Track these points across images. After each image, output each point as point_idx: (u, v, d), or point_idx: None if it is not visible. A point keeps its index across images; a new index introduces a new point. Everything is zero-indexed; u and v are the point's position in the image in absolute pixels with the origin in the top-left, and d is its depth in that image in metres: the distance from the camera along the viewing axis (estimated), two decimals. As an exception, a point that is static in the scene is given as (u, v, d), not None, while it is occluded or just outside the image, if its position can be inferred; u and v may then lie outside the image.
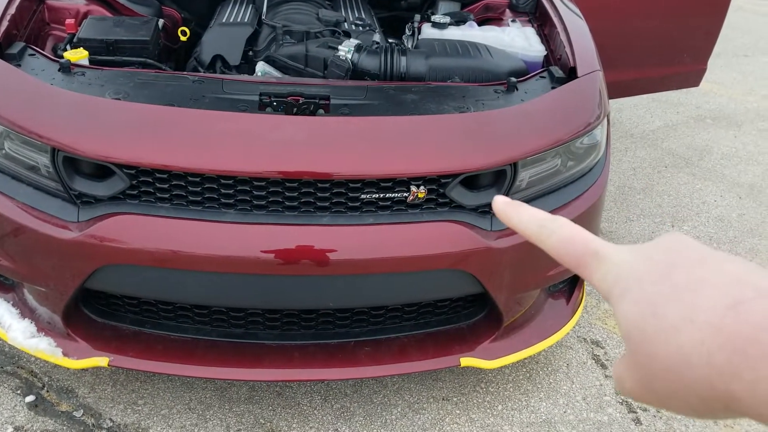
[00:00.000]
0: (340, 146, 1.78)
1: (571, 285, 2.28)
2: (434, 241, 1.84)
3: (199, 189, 1.75)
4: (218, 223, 1.76)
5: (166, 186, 1.75)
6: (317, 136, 1.78)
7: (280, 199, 1.77)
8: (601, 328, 2.63)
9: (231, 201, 1.76)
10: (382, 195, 1.79)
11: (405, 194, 1.81)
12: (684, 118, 4.73)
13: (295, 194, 1.76)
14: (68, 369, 2.21)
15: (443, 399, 2.24)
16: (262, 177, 1.73)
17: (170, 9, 2.67)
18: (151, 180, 1.75)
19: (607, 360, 2.47)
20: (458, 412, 2.20)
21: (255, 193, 1.75)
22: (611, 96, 3.94)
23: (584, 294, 2.31)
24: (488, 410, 2.22)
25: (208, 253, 1.75)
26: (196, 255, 1.75)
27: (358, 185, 1.77)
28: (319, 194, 1.77)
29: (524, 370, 2.38)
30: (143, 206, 1.77)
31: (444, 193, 1.83)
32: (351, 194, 1.78)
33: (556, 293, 2.27)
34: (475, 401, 2.24)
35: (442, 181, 1.82)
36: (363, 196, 1.79)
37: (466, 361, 2.03)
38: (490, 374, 2.34)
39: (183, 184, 1.74)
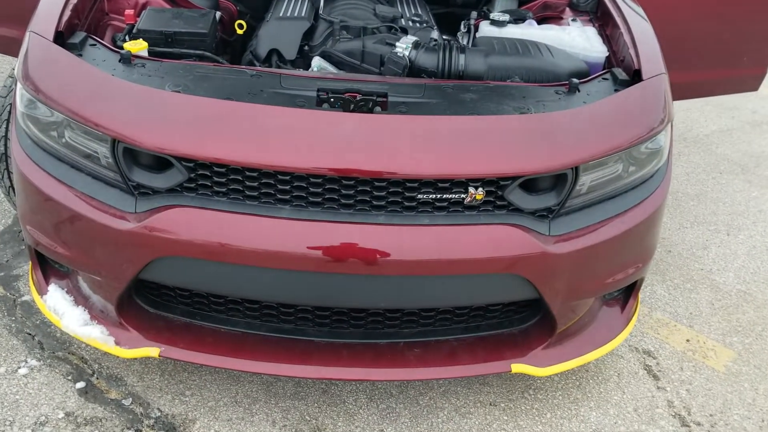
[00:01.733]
0: (397, 145, 1.75)
1: (626, 293, 2.22)
2: (491, 244, 1.80)
3: (255, 184, 1.74)
4: (273, 218, 1.75)
5: (223, 180, 1.75)
6: (375, 135, 1.76)
7: (336, 197, 1.75)
8: (654, 338, 2.56)
9: (287, 197, 1.75)
10: (438, 195, 1.76)
11: (462, 195, 1.77)
12: (739, 123, 4.59)
13: (351, 192, 1.74)
14: (118, 357, 2.24)
15: (491, 404, 2.21)
16: (318, 174, 1.71)
17: (227, 2, 2.67)
18: (208, 173, 1.74)
19: (660, 371, 2.40)
20: (506, 418, 2.16)
21: (311, 189, 1.74)
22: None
23: (639, 302, 2.25)
24: (536, 418, 2.17)
25: (262, 249, 1.74)
26: (250, 250, 1.74)
27: (415, 185, 1.74)
28: (376, 193, 1.74)
29: (574, 377, 2.33)
30: (200, 199, 1.77)
31: (502, 195, 1.80)
32: (407, 194, 1.75)
33: (610, 301, 2.21)
34: (523, 408, 2.20)
35: (501, 183, 1.78)
36: (419, 196, 1.76)
37: (517, 367, 1.99)
38: (538, 381, 2.30)
39: (240, 178, 1.74)
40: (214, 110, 1.76)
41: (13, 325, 2.35)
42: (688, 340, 2.56)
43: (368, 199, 1.75)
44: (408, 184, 1.74)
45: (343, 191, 1.74)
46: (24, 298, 2.47)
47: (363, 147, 1.73)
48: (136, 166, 1.80)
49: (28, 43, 1.98)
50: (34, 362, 2.21)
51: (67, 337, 2.30)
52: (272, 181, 1.73)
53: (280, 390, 2.19)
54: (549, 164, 1.79)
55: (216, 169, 1.73)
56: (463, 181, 1.76)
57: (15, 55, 3.40)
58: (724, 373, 2.43)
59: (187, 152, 1.71)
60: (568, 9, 2.61)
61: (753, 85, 3.98)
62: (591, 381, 2.33)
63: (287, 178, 1.73)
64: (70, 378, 2.17)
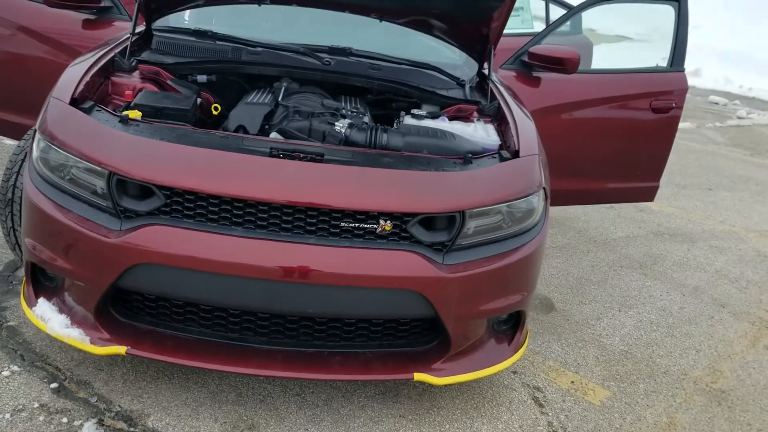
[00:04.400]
0: (327, 185, 2.33)
1: (513, 328, 2.74)
2: (396, 264, 2.34)
3: (216, 209, 2.29)
4: (228, 236, 2.28)
5: (192, 205, 2.29)
6: (311, 177, 2.34)
7: (278, 222, 2.30)
8: (544, 378, 3.04)
9: (240, 221, 2.29)
10: (357, 225, 2.32)
11: (375, 226, 2.33)
12: (645, 232, 5.30)
13: (290, 218, 2.29)
14: (87, 368, 2.65)
15: (400, 416, 2.64)
16: (265, 203, 2.27)
17: (206, 94, 3.32)
18: (181, 200, 2.29)
19: (545, 401, 2.87)
20: (411, 426, 2.59)
21: (259, 215, 2.29)
22: (573, 203, 4.53)
23: (527, 337, 2.76)
24: (438, 427, 2.60)
25: (218, 259, 2.26)
26: (208, 260, 2.25)
27: (339, 215, 2.31)
28: (309, 220, 2.30)
29: (472, 401, 2.78)
30: (172, 220, 2.30)
31: (406, 228, 2.36)
32: (333, 222, 2.31)
33: (499, 334, 2.72)
34: (427, 420, 2.64)
35: (405, 218, 2.35)
36: (342, 225, 2.31)
37: (418, 376, 2.47)
38: (442, 401, 2.74)
39: (205, 204, 2.28)
40: (189, 153, 2.34)
41: (-2, 342, 2.75)
42: (572, 382, 3.05)
43: (303, 224, 2.31)
44: (334, 215, 2.30)
45: (284, 217, 2.29)
46: (10, 323, 2.88)
47: (301, 185, 2.31)
48: (124, 195, 2.34)
49: (49, 104, 2.57)
50: (15, 368, 2.61)
51: (45, 351, 2.71)
52: (229, 207, 2.28)
53: (224, 397, 2.60)
54: (441, 206, 2.38)
55: (187, 196, 2.28)
56: (375, 215, 2.33)
57: (7, 135, 3.98)
58: (598, 406, 2.90)
59: (166, 182, 2.26)
60: (476, 113, 3.31)
61: (648, 196, 4.70)
62: (486, 404, 2.78)
63: (241, 205, 2.28)
64: (45, 380, 2.56)
